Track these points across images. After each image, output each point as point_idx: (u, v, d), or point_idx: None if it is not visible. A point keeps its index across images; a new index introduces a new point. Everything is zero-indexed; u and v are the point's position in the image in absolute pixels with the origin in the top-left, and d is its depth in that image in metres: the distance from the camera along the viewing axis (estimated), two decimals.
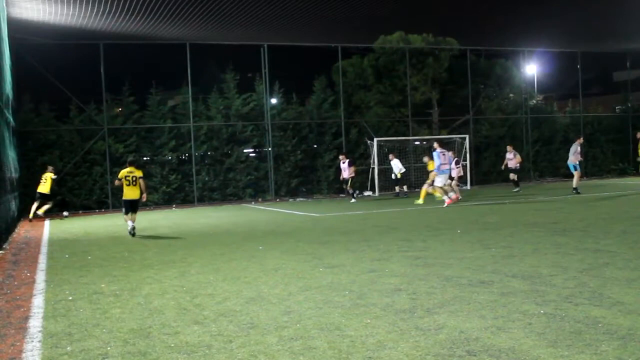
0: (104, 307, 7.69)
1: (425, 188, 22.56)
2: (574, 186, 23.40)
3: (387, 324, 6.35)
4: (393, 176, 26.94)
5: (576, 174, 23.59)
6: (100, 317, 7.21)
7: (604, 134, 35.55)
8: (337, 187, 28.68)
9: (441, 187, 21.01)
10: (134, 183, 16.00)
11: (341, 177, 25.91)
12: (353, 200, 24.92)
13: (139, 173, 16.17)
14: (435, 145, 21.33)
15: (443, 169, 20.79)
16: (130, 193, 16.01)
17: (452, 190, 21.41)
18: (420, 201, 22.14)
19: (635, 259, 9.32)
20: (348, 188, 25.44)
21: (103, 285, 9.16)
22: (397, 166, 26.33)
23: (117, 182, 16.25)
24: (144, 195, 16.27)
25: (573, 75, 37.13)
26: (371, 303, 7.25)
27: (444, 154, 20.84)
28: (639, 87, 42.09)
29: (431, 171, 22.24)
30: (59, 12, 19.95)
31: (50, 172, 22.10)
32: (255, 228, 16.73)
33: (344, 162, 25.46)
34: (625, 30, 28.40)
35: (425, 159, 23.95)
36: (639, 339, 5.53)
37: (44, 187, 21.74)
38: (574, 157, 23.43)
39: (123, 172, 16.11)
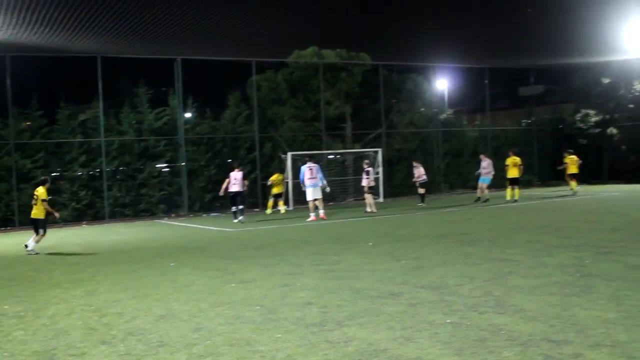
0: (7, 330, 7.44)
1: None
2: (487, 197, 25.41)
3: (298, 338, 6.39)
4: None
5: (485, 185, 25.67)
6: (1, 339, 6.98)
7: (510, 146, 36.62)
8: (250, 202, 28.55)
9: (311, 201, 21.48)
10: (36, 202, 15.97)
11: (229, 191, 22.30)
12: (240, 218, 21.91)
13: (38, 192, 16.03)
14: (307, 159, 22.31)
15: (309, 182, 21.41)
16: (33, 212, 16.10)
17: (318, 208, 21.67)
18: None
19: (537, 267, 9.68)
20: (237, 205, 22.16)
21: (6, 307, 8.85)
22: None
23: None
24: (55, 214, 16.36)
25: (481, 91, 38.28)
26: (282, 317, 7.27)
27: (310, 169, 21.32)
28: (543, 102, 43.78)
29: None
30: None
31: None
32: (167, 244, 16.52)
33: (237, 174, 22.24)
34: (529, 47, 29.48)
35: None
36: (538, 343, 5.75)
37: None
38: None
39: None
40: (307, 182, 21.50)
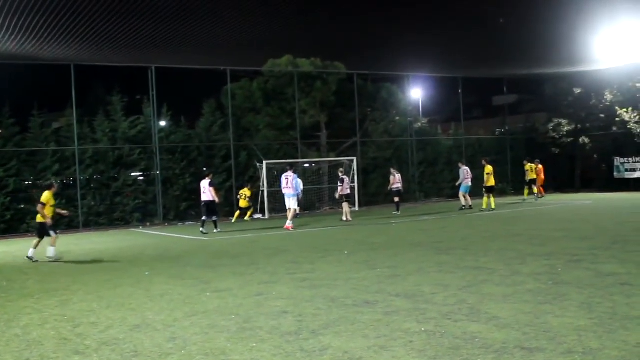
0: None
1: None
2: (470, 204, 26.14)
3: (273, 347, 6.39)
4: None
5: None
6: None
7: (484, 155, 36.95)
8: (226, 210, 28.53)
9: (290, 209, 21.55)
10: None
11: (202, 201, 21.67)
12: (215, 230, 21.34)
13: (42, 197, 15.86)
14: (288, 168, 22.32)
15: (284, 191, 21.54)
16: (38, 216, 16.16)
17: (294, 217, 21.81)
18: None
19: (511, 275, 9.76)
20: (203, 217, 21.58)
21: None
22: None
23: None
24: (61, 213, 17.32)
25: (455, 100, 38.61)
26: (257, 326, 7.27)
27: (286, 178, 21.46)
28: (516, 111, 44.23)
29: None
30: None
31: None
32: (142, 253, 16.42)
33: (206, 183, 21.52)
34: (502, 57, 29.81)
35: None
36: (511, 351, 5.81)
37: None
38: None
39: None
40: (283, 190, 21.55)
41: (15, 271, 13.93)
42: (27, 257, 15.50)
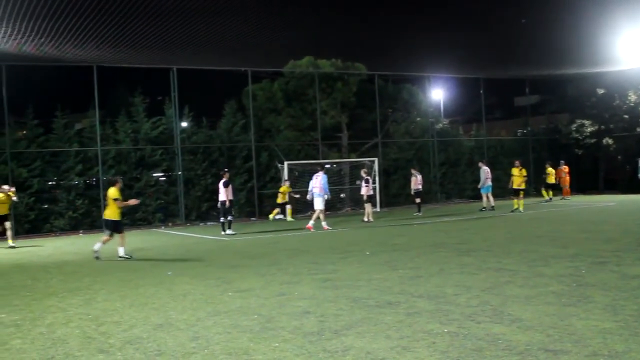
0: (4, 338, 7.43)
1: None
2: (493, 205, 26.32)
3: (295, 347, 6.40)
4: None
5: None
6: None
7: (506, 156, 36.79)
8: (247, 211, 28.66)
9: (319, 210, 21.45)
10: (107, 203, 15.89)
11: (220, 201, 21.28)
12: (229, 232, 20.94)
13: (109, 193, 15.69)
14: (319, 168, 22.28)
15: (313, 191, 21.48)
16: (105, 212, 16.15)
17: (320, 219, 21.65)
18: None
19: (534, 277, 9.70)
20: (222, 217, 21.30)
21: (3, 315, 8.84)
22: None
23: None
24: (129, 203, 16.36)
25: (477, 101, 38.40)
26: (280, 326, 7.28)
27: (316, 178, 21.45)
28: (538, 112, 43.92)
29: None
30: None
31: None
32: (164, 253, 16.51)
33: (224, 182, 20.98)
34: (525, 57, 29.62)
35: None
36: (535, 353, 5.77)
37: None
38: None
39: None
40: (312, 190, 21.62)
41: (40, 270, 14.06)
42: (94, 250, 15.54)
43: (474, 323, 7.00)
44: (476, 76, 36.29)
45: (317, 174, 21.61)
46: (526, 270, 10.38)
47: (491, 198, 26.50)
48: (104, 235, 15.85)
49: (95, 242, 15.80)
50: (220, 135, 29.55)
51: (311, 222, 21.15)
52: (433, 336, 6.54)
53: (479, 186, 27.28)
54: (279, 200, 26.76)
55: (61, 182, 25.95)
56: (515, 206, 25.23)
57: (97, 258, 15.30)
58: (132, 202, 16.45)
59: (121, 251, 15.47)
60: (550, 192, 30.81)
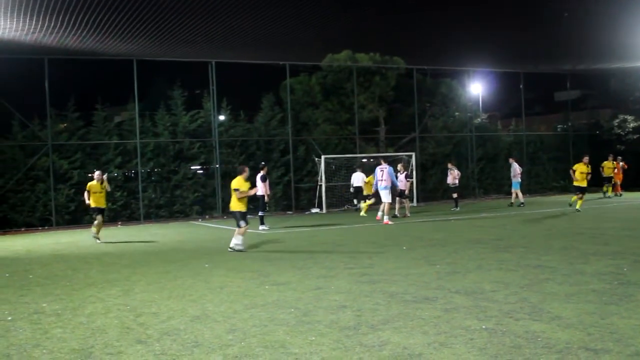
0: (45, 327, 7.55)
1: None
2: (522, 201, 25.95)
3: (332, 341, 6.39)
4: (352, 189, 27.28)
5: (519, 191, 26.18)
6: (40, 337, 7.08)
7: (545, 152, 36.38)
8: (284, 204, 28.76)
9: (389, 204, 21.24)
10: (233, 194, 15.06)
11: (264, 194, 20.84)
12: (262, 227, 20.48)
13: (233, 183, 15.04)
14: (381, 160, 22.02)
15: (379, 185, 21.21)
16: (230, 204, 15.31)
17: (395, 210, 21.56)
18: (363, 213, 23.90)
19: (574, 275, 9.55)
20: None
21: (44, 305, 8.99)
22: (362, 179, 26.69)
23: None
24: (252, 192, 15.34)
25: (516, 95, 37.94)
26: (316, 320, 7.27)
27: (381, 171, 21.20)
28: (579, 107, 43.25)
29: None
30: (1, 25, 19.59)
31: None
32: (201, 245, 16.62)
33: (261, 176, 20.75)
34: (566, 52, 29.19)
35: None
36: (575, 352, 5.68)
37: None
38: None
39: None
40: (378, 184, 21.27)
41: (79, 260, 14.26)
42: (230, 248, 14.76)
43: (513, 320, 6.91)
44: (516, 70, 35.86)
45: (381, 167, 21.22)
46: (566, 268, 10.23)
47: (520, 194, 26.15)
48: (241, 228, 14.75)
49: (232, 239, 14.92)
50: (257, 129, 29.63)
51: (385, 218, 20.96)
52: (471, 332, 6.48)
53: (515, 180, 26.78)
54: (366, 192, 26.09)
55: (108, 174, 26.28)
56: (577, 204, 22.94)
57: (240, 251, 14.59)
58: (252, 191, 15.22)
59: (238, 240, 14.73)
60: (608, 188, 30.09)
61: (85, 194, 18.64)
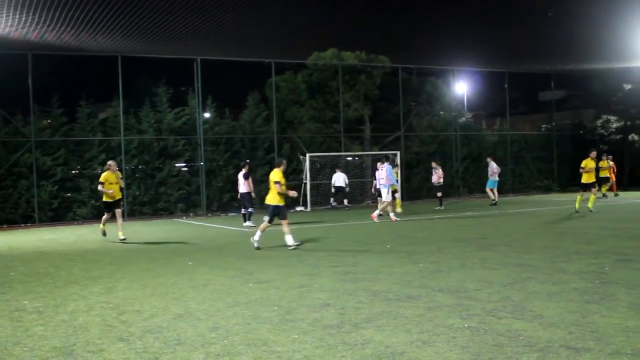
0: (26, 325, 7.50)
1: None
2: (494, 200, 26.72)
3: (315, 339, 6.39)
4: (333, 190, 27.40)
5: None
6: (21, 335, 7.03)
7: (529, 151, 36.58)
8: None
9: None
10: (270, 187, 14.52)
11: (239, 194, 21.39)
12: (247, 224, 20.56)
13: (271, 175, 14.52)
14: (383, 159, 22.05)
15: (381, 183, 21.23)
16: (267, 197, 14.70)
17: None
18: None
19: (556, 273, 9.60)
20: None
21: (26, 302, 8.93)
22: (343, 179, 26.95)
23: None
24: (289, 193, 14.85)
25: (501, 95, 38.11)
26: (299, 318, 7.27)
27: (381, 169, 21.20)
28: (563, 107, 43.49)
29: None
30: None
31: None
32: (185, 243, 16.56)
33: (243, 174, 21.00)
34: (550, 52, 29.33)
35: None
36: (556, 350, 5.71)
37: None
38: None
39: None
40: (379, 182, 21.40)
41: (62, 258, 14.18)
42: (254, 241, 14.32)
43: (495, 318, 6.94)
44: (501, 70, 36.02)
45: (381, 165, 21.30)
46: (548, 267, 10.28)
47: (493, 193, 26.98)
48: (263, 222, 14.49)
49: (253, 235, 14.69)
50: (242, 127, 29.60)
51: (391, 214, 21.02)
52: (453, 331, 6.50)
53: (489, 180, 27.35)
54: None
55: (84, 171, 26.15)
56: (590, 202, 21.52)
57: (257, 249, 14.18)
58: (291, 193, 14.76)
59: (289, 240, 14.19)
60: (604, 188, 29.25)
61: (101, 187, 17.33)
